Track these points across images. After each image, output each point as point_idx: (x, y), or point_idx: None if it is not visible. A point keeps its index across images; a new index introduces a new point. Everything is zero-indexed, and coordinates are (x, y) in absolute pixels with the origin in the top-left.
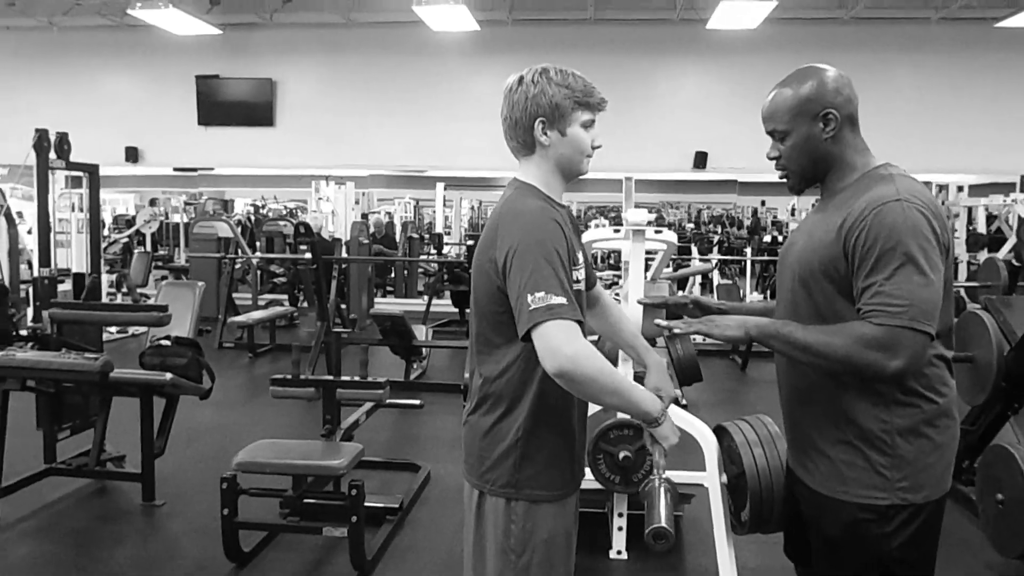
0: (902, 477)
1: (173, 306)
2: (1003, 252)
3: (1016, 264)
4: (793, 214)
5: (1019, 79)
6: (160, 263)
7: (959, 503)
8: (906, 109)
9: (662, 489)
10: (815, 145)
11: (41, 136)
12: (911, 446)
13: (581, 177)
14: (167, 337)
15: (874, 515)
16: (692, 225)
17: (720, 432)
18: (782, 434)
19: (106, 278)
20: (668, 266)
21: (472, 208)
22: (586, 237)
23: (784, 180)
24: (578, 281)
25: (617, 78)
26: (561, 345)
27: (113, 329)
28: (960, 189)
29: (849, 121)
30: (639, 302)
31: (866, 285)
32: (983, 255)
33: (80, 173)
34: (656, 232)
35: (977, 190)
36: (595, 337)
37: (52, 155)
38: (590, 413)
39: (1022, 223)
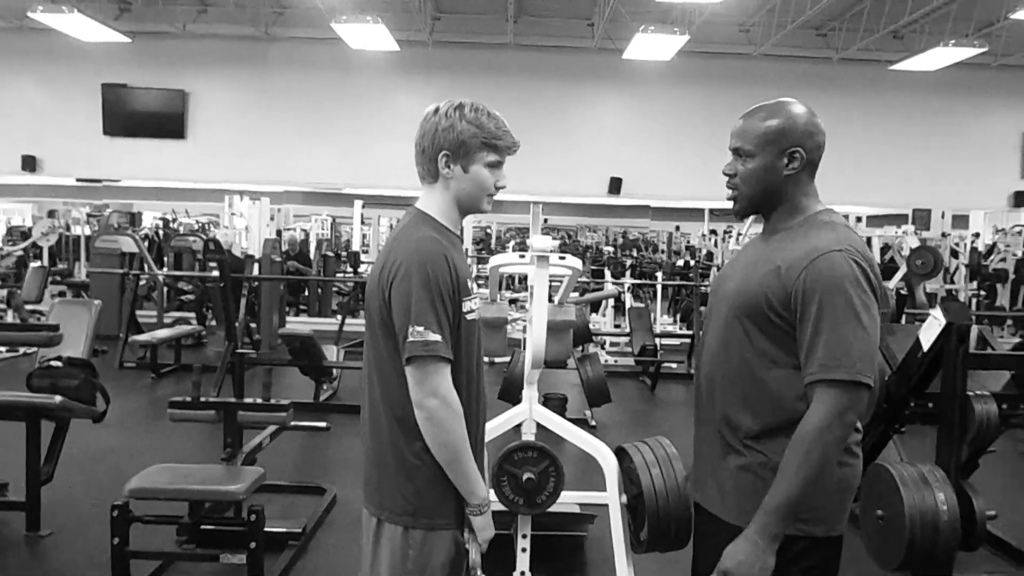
0: (805, 507)
1: (66, 325)
2: (894, 281)
3: (904, 293)
4: (706, 239)
5: (911, 118)
6: (58, 278)
7: (848, 520)
8: None
9: None
10: (772, 177)
11: None
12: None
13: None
14: (58, 358)
15: None
16: (611, 248)
17: (620, 453)
18: (679, 455)
19: None
20: (575, 291)
21: (391, 227)
22: (492, 262)
23: (731, 202)
24: (470, 311)
25: (535, 103)
26: (437, 385)
27: (2, 348)
28: (859, 220)
29: (811, 165)
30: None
31: (808, 341)
32: None
33: None
34: (560, 258)
35: (874, 221)
36: (507, 358)
37: None
38: (490, 438)
39: (912, 253)
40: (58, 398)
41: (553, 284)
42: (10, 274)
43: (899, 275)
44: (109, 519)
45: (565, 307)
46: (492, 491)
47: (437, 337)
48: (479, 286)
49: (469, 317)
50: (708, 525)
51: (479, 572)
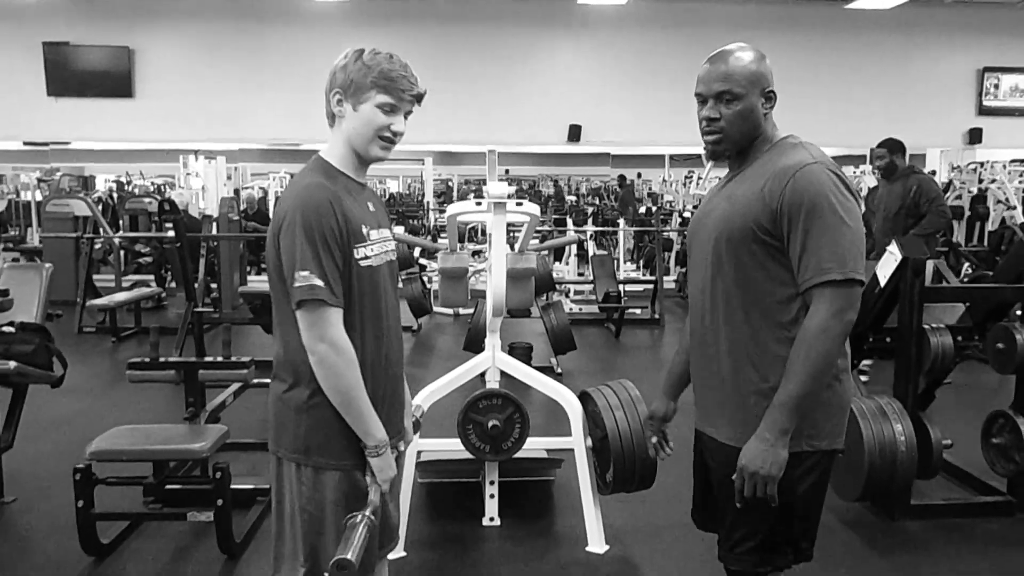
0: (810, 424)
1: (17, 290)
2: None
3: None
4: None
5: (867, 58)
6: (10, 245)
7: None
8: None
9: (363, 525)
10: (756, 116)
11: None
12: (823, 395)
13: (453, 152)
14: (10, 323)
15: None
16: (573, 198)
17: (584, 398)
18: (642, 397)
19: None
20: (535, 238)
21: None
22: (450, 211)
23: (714, 144)
24: (366, 258)
25: (491, 51)
26: (325, 330)
27: None
28: None
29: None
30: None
31: (800, 250)
32: None
33: None
34: (517, 204)
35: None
36: (470, 311)
37: None
38: (454, 388)
39: (870, 193)
40: (12, 363)
41: (517, 235)
42: None
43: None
44: (72, 482)
45: (526, 255)
46: (459, 440)
47: (320, 283)
48: (440, 237)
49: (363, 264)
50: (717, 454)
51: (368, 513)
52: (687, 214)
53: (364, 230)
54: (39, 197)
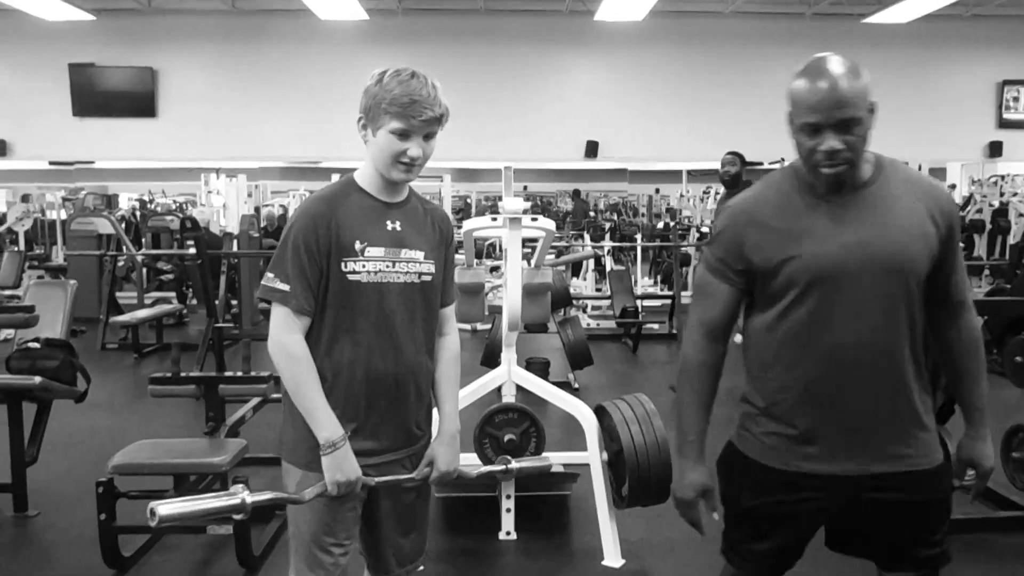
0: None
1: (42, 306)
2: None
3: None
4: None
5: (886, 72)
6: (36, 263)
7: None
8: (782, 101)
9: (223, 498)
10: (868, 137)
11: None
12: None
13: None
14: (36, 339)
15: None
16: (593, 213)
17: (600, 412)
18: (657, 411)
19: None
20: (551, 253)
21: None
22: (466, 226)
23: (838, 176)
24: (354, 272)
25: (508, 69)
26: (275, 329)
27: None
28: None
29: None
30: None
31: (958, 266)
32: None
33: None
34: (533, 219)
35: None
36: (487, 326)
37: None
38: (470, 402)
39: (721, 200)
40: (37, 379)
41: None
42: None
43: None
44: (95, 496)
45: (542, 270)
46: (475, 454)
47: (284, 287)
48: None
49: (352, 278)
50: (900, 482)
51: (248, 498)
52: (705, 229)
53: (358, 246)
54: (64, 216)
